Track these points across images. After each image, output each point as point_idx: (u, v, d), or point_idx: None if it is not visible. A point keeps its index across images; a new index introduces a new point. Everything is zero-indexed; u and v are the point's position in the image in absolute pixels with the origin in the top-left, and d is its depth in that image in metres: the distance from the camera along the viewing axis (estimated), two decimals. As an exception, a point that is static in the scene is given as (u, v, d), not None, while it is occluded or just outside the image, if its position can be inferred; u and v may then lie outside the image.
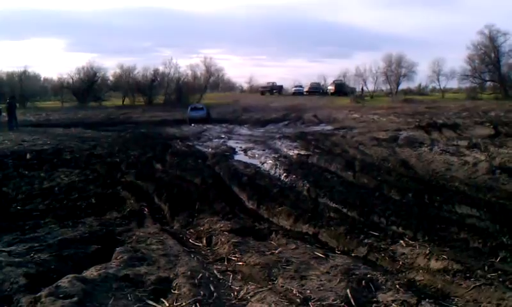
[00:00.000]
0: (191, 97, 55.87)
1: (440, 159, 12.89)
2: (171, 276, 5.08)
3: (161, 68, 59.70)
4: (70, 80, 58.63)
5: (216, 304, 4.46)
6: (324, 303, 4.42)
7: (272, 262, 5.59)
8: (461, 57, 66.69)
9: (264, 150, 17.19)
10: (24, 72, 59.90)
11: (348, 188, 10.14)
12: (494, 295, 4.54)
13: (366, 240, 6.56)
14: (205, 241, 6.80)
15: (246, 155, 16.70)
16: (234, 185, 10.80)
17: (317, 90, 66.08)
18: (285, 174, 11.93)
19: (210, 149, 17.58)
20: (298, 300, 4.47)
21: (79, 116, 38.58)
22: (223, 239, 6.64)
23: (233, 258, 5.87)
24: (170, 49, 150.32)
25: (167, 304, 4.44)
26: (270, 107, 44.66)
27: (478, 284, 4.79)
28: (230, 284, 5.03)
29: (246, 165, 13.53)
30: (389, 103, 45.50)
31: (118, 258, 5.73)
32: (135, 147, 18.06)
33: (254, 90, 79.32)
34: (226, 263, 5.78)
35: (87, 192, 10.31)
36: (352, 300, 4.41)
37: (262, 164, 14.15)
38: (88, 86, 57.50)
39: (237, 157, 16.09)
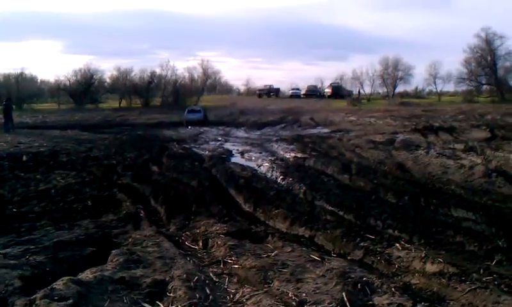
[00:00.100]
0: (188, 99, 55.90)
1: (436, 162, 12.91)
2: (167, 279, 5.07)
3: (158, 71, 59.90)
4: (67, 82, 58.66)
5: (212, 307, 4.45)
6: (319, 306, 4.42)
7: (268, 265, 5.58)
8: (458, 60, 66.90)
9: (260, 153, 17.21)
10: (21, 74, 59.84)
11: (344, 191, 10.15)
12: (489, 299, 4.55)
13: (362, 243, 6.56)
14: (201, 244, 6.79)
15: (243, 157, 16.72)
16: (231, 187, 10.79)
17: (314, 93, 66.28)
18: (281, 177, 11.94)
19: (206, 152, 17.58)
20: (294, 303, 4.46)
21: (75, 118, 38.52)
22: (219, 242, 6.63)
23: (229, 261, 5.86)
24: (167, 51, 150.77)
25: (162, 307, 4.43)
26: (267, 110, 44.72)
27: (473, 287, 4.79)
28: (225, 287, 5.02)
29: (243, 167, 13.52)
30: (386, 106, 45.66)
31: (114, 260, 5.72)
32: (131, 149, 18.05)
33: (251, 93, 79.42)
34: (222, 266, 5.77)
35: (83, 194, 10.29)
36: (348, 304, 4.40)
37: (259, 166, 14.15)
38: (85, 88, 57.49)
39: (233, 160, 16.10)
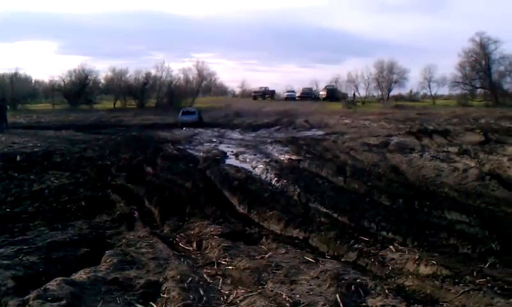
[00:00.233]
0: (183, 101, 55.76)
1: (430, 165, 12.95)
2: (161, 280, 5.06)
3: (153, 72, 59.68)
4: (62, 83, 58.43)
5: (205, 308, 4.44)
6: (313, 308, 4.42)
7: (262, 266, 5.58)
8: (453, 64, 67.09)
9: (255, 155, 17.22)
10: (15, 74, 59.67)
11: (339, 194, 10.17)
12: (482, 301, 4.56)
13: (356, 245, 6.57)
14: (195, 245, 6.78)
15: (238, 159, 16.71)
16: (225, 189, 10.78)
17: (309, 95, 66.33)
18: (276, 179, 11.94)
19: (201, 153, 17.56)
20: (288, 304, 4.46)
21: (70, 119, 38.44)
22: (213, 243, 6.62)
23: (223, 262, 5.86)
24: (162, 53, 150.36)
25: (156, 308, 4.42)
26: (262, 112, 44.73)
27: (467, 289, 4.81)
28: (219, 288, 5.01)
29: (237, 169, 13.52)
30: (380, 109, 45.80)
31: (108, 261, 5.70)
32: (126, 150, 18.00)
33: (246, 95, 79.33)
34: (216, 267, 5.76)
35: (77, 195, 10.25)
36: (341, 305, 4.41)
37: (253, 168, 14.16)
38: (80, 89, 57.29)
39: (228, 161, 16.09)
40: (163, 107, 53.58)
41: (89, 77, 58.78)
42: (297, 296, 4.66)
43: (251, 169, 13.95)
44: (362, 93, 67.74)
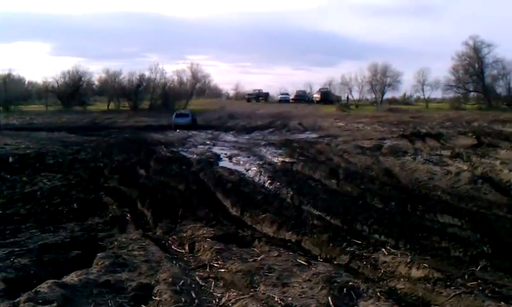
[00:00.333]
0: (177, 103, 55.64)
1: (423, 168, 12.99)
2: (153, 283, 5.04)
3: (147, 74, 59.50)
4: (55, 84, 58.37)
5: (197, 311, 4.43)
6: (305, 310, 4.42)
7: (254, 269, 5.58)
8: (446, 67, 67.34)
9: (248, 157, 17.21)
10: (8, 75, 59.48)
11: (332, 196, 10.19)
12: (474, 304, 4.59)
13: (348, 248, 6.59)
14: (187, 247, 6.77)
15: (231, 161, 16.72)
16: (218, 191, 10.78)
17: (302, 98, 66.33)
18: (269, 182, 11.96)
19: (194, 156, 17.55)
20: (280, 307, 4.47)
21: (63, 120, 38.33)
22: (205, 246, 6.61)
23: (215, 265, 5.85)
24: (157, 54, 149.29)
25: (148, 311, 4.40)
26: (256, 114, 44.73)
27: (458, 292, 4.83)
28: (211, 291, 5.01)
29: (231, 172, 13.52)
30: (374, 112, 45.88)
31: (99, 263, 5.68)
32: (119, 152, 17.97)
33: (240, 97, 79.25)
34: (208, 269, 5.75)
35: (69, 197, 10.23)
36: (333, 308, 4.42)
37: (247, 170, 14.17)
38: (73, 90, 57.11)
39: (221, 164, 16.10)
40: (157, 109, 53.50)
41: (82, 78, 58.75)
42: (290, 299, 4.66)
43: (244, 172, 13.96)
44: (356, 96, 67.88)
